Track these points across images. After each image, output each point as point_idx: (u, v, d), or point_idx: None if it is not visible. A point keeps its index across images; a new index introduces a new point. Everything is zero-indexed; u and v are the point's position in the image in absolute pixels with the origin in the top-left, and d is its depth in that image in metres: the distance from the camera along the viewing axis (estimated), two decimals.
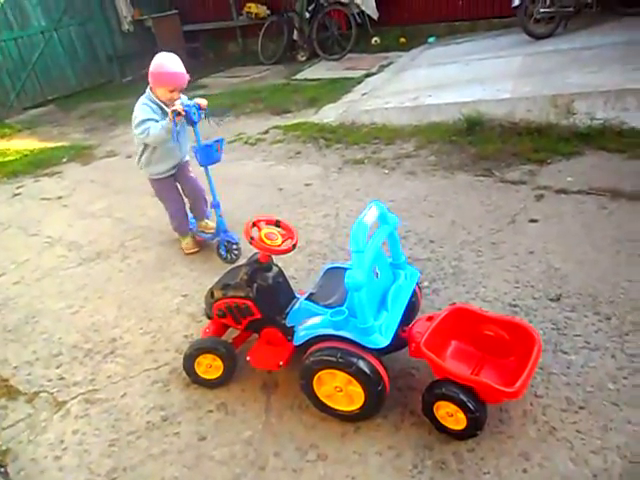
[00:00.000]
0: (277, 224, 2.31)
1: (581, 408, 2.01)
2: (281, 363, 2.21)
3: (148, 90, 3.06)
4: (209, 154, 3.08)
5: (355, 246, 1.88)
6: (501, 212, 3.47)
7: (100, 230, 4.11)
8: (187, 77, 3.02)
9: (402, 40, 8.65)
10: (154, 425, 2.23)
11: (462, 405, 1.85)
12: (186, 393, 2.38)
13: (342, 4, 8.32)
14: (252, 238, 2.16)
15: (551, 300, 2.60)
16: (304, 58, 8.77)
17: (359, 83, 6.87)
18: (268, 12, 9.40)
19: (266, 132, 5.77)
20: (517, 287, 2.73)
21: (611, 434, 1.90)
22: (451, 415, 1.89)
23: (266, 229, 2.24)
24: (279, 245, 2.21)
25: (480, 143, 4.52)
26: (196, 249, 3.54)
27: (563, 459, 1.84)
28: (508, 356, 2.06)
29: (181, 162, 3.37)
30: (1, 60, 8.53)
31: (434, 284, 2.85)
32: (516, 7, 6.80)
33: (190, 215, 3.63)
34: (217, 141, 3.11)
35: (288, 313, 2.28)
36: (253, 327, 2.36)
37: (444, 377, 1.93)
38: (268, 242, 2.19)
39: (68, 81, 9.50)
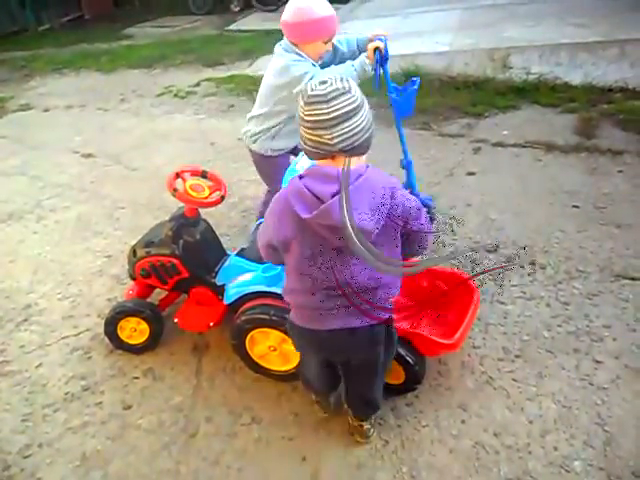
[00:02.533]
0: (204, 175, 2.13)
1: (517, 357, 2.01)
2: (211, 324, 2.07)
3: (288, 45, 2.15)
4: (409, 102, 2.22)
5: None
6: (439, 165, 3.42)
7: (13, 189, 3.74)
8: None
9: None
10: (74, 396, 2.05)
11: (400, 359, 1.78)
12: (110, 360, 2.20)
13: None
14: (175, 190, 1.97)
15: (488, 251, 2.59)
16: (237, 9, 8.33)
17: None
18: None
19: (197, 85, 5.44)
20: (455, 239, 2.70)
21: (546, 381, 1.90)
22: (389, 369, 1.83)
23: (191, 180, 2.05)
24: (206, 197, 2.04)
25: (419, 97, 4.38)
26: None
27: (500, 408, 1.83)
28: (446, 308, 2.01)
29: None
30: None
31: None
32: None
33: None
34: (413, 83, 2.22)
35: (218, 271, 2.12)
36: (181, 287, 2.19)
37: None
38: (194, 194, 2.01)
39: None
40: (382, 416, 1.83)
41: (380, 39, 2.10)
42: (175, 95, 5.26)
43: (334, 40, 2.20)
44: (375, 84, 2.12)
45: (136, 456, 1.80)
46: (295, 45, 2.14)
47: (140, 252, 2.16)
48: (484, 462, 1.67)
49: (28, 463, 1.82)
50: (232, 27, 7.50)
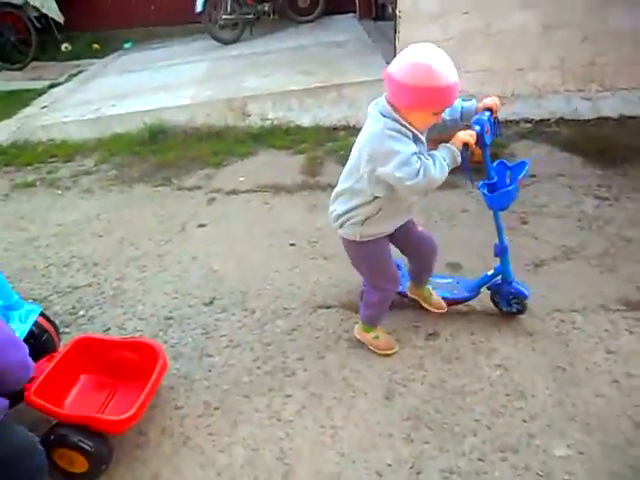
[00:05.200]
0: None
1: (216, 409, 2.08)
2: None
3: (386, 106, 1.81)
4: (509, 196, 2.04)
5: None
6: (172, 221, 3.46)
7: None
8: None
9: (95, 46, 8.17)
10: None
11: (75, 446, 1.72)
12: None
13: (15, 6, 7.40)
14: None
15: (205, 304, 2.67)
16: None
17: (41, 95, 6.23)
18: None
19: None
20: (175, 298, 2.73)
21: (239, 427, 2.00)
22: (67, 459, 1.76)
23: None
24: None
25: (162, 151, 4.48)
26: (395, 348, 2.27)
27: (192, 467, 1.87)
28: (140, 377, 2.00)
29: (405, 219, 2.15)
30: None
31: (91, 311, 2.67)
32: (199, 13, 6.94)
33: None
34: (519, 168, 2.05)
35: None
36: None
37: (59, 421, 1.79)
38: None
39: None
40: None
41: (478, 121, 1.90)
42: None
43: None
44: (470, 180, 1.97)
45: None
46: (397, 109, 1.79)
47: None
48: None
49: None
50: None
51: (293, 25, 7.73)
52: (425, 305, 2.40)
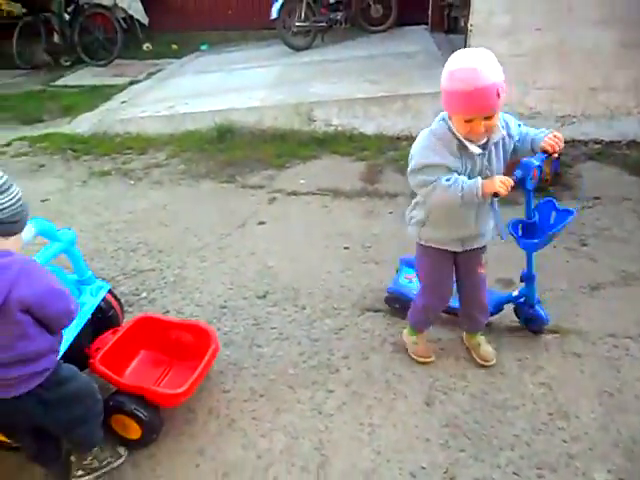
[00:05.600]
0: None
1: (261, 396, 2.18)
2: None
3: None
4: (546, 239, 2.05)
5: None
6: (234, 217, 3.62)
7: None
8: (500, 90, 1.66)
9: (174, 47, 8.58)
10: None
11: (132, 414, 1.87)
12: None
13: (105, 8, 7.93)
14: None
15: (258, 297, 2.79)
16: (68, 63, 8.16)
17: (122, 91, 6.63)
18: (24, 10, 8.54)
19: (8, 145, 5.22)
20: (231, 289, 2.87)
21: (281, 416, 2.09)
22: (122, 425, 1.90)
23: None
24: None
25: (229, 150, 4.68)
26: (431, 358, 2.31)
27: (235, 448, 1.97)
28: (194, 358, 2.13)
29: (473, 240, 2.02)
30: None
31: (152, 294, 2.85)
32: (274, 19, 7.18)
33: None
34: (564, 215, 2.03)
35: None
36: None
37: (118, 389, 1.94)
38: None
39: None
40: (121, 473, 1.88)
41: (526, 164, 1.83)
42: None
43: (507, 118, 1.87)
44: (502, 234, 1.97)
45: None
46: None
47: None
48: None
49: None
50: (59, 82, 7.33)
51: (364, 34, 7.85)
52: (474, 355, 2.30)
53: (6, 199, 1.39)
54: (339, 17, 7.61)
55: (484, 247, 2.08)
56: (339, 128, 4.90)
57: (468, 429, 1.99)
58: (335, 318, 2.60)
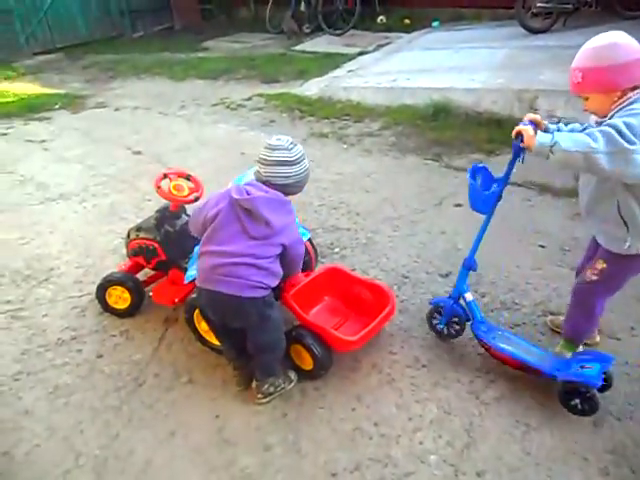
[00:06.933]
0: (188, 178, 2.57)
1: (423, 366, 2.28)
2: (176, 300, 2.50)
3: None
4: (487, 202, 2.39)
5: None
6: (432, 195, 3.70)
7: (69, 174, 4.42)
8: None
9: (406, 21, 8.72)
10: (63, 342, 2.56)
11: (309, 348, 2.13)
12: (98, 319, 2.70)
13: None
14: (159, 187, 2.43)
15: (441, 275, 2.85)
16: (309, 30, 8.88)
17: (350, 60, 7.02)
18: None
19: (249, 99, 5.99)
20: (416, 262, 2.98)
21: (438, 389, 2.17)
22: (299, 354, 2.18)
23: (176, 181, 2.51)
24: (185, 196, 2.48)
25: (440, 129, 4.71)
26: None
27: (389, 404, 2.12)
28: (370, 315, 2.31)
29: None
30: (13, 3, 8.77)
31: (344, 251, 3.11)
32: None
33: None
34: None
35: (190, 257, 2.56)
36: (161, 267, 2.65)
37: (301, 324, 2.22)
38: (175, 192, 2.46)
39: (78, 31, 9.75)
40: (291, 394, 2.18)
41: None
42: (227, 107, 5.84)
43: None
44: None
45: (93, 392, 2.26)
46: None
47: (132, 234, 2.64)
48: (357, 442, 1.97)
49: (16, 385, 2.33)
50: (298, 47, 8.05)
51: (618, 21, 6.99)
52: None
53: (297, 170, 1.97)
54: None
55: None
56: (561, 120, 4.55)
57: (636, 462, 1.84)
58: (514, 312, 2.55)
